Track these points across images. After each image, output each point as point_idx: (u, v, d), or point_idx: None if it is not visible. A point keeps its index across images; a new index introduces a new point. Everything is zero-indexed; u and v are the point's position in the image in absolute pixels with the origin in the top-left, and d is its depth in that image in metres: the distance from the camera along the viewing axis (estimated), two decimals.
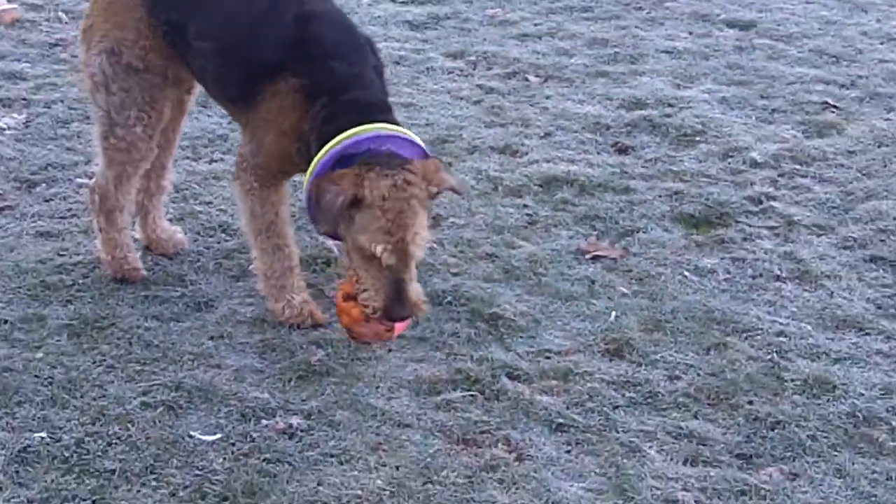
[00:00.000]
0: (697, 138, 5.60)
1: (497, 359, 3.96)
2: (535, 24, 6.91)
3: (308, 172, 3.73)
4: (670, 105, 5.90)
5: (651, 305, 4.33)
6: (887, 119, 5.86)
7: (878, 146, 5.60)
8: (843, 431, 3.74)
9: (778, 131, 5.70)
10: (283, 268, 4.06)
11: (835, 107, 5.97)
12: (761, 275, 4.57)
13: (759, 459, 3.61)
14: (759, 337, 4.17)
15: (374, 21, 6.97)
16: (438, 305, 4.20)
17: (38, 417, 3.62)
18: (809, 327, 4.24)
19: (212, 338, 4.05)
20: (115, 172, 4.19)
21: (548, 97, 6.00)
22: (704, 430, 3.71)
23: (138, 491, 3.37)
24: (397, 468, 3.48)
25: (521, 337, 4.11)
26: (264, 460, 3.49)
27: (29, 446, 3.50)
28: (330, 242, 4.48)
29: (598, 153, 5.46)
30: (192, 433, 3.59)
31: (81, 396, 3.72)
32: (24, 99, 5.69)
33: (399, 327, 3.73)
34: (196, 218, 4.81)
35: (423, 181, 3.61)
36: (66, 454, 3.48)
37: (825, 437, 3.71)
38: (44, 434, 3.55)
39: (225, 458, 3.49)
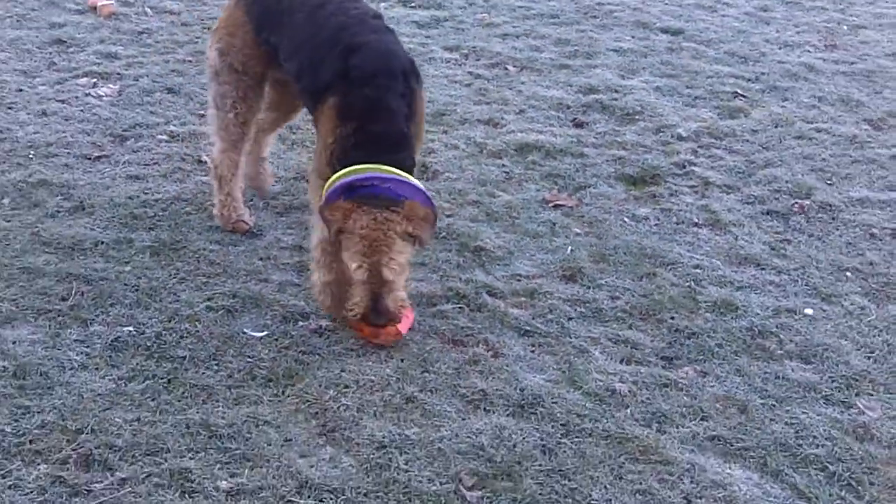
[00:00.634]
0: (637, 117, 5.55)
1: (479, 280, 3.95)
2: (514, 27, 6.83)
3: (324, 189, 3.48)
4: (617, 91, 5.84)
5: (598, 243, 4.31)
6: (783, 106, 5.82)
7: (775, 126, 5.56)
8: (743, 342, 3.74)
9: (698, 113, 5.65)
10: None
11: (743, 96, 5.91)
12: (683, 222, 4.54)
13: (678, 361, 3.62)
14: (680, 269, 4.16)
15: (389, 21, 6.85)
16: (435, 239, 4.17)
17: (127, 315, 3.60)
18: (719, 262, 4.23)
19: (261, 259, 4.03)
20: (220, 147, 4.10)
21: (522, 83, 5.93)
22: (637, 337, 3.71)
23: (203, 373, 3.36)
24: (402, 360, 3.48)
25: (498, 264, 4.10)
26: (300, 352, 3.50)
27: (119, 337, 3.48)
28: None
29: (560, 126, 5.41)
30: (245, 330, 3.58)
31: (160, 300, 3.70)
32: (118, 73, 5.60)
33: (404, 328, 3.53)
34: None
35: (404, 220, 3.33)
36: (148, 344, 3.47)
37: (729, 346, 3.71)
38: (131, 328, 3.54)
39: (270, 350, 3.49)
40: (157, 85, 5.49)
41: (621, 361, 3.58)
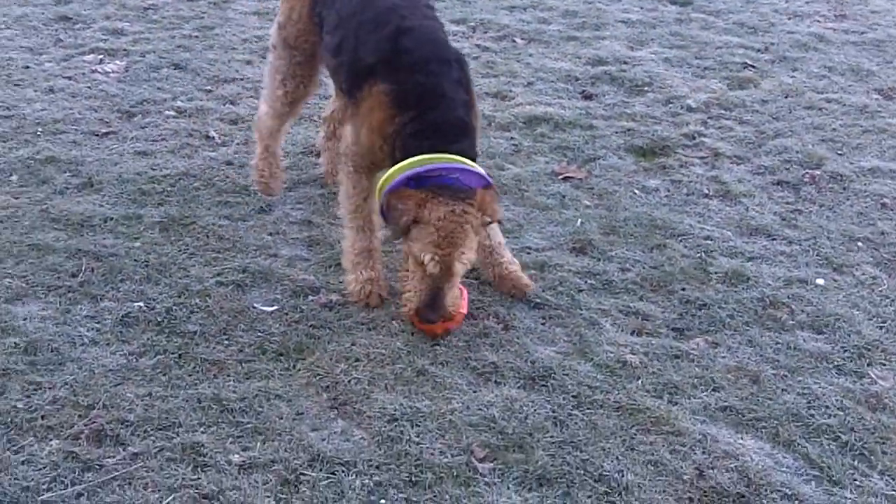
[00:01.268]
0: (646, 88, 5.51)
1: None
2: None
3: (383, 180, 3.36)
4: (625, 63, 5.80)
5: (608, 215, 4.29)
6: (792, 76, 5.77)
7: (785, 97, 5.51)
8: (754, 312, 3.72)
9: (708, 84, 5.61)
10: (362, 247, 3.61)
11: (752, 66, 5.86)
12: (693, 193, 4.52)
13: (689, 332, 3.60)
14: (690, 240, 4.14)
15: None
16: None
17: (137, 291, 3.60)
18: (730, 233, 4.21)
19: (270, 234, 4.02)
20: (264, 110, 4.07)
21: (530, 55, 5.89)
22: (648, 309, 3.70)
23: (214, 347, 3.36)
24: (412, 334, 3.47)
25: (508, 237, 4.07)
26: (310, 326, 3.49)
27: (130, 312, 3.48)
28: None
29: (569, 99, 5.37)
30: (255, 305, 3.58)
31: (170, 276, 3.70)
32: (125, 49, 5.58)
33: (458, 320, 3.46)
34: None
35: (479, 211, 3.25)
36: (159, 319, 3.47)
37: (740, 316, 3.69)
38: (141, 304, 3.53)
39: (280, 324, 3.49)
40: (163, 61, 5.47)
41: (632, 333, 3.57)
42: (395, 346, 3.41)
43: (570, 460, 3.00)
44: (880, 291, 3.86)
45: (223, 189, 4.31)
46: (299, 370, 3.28)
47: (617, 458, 3.02)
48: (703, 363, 3.44)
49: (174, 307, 3.52)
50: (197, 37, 5.80)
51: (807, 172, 4.71)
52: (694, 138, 5.01)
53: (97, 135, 4.68)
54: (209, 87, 5.23)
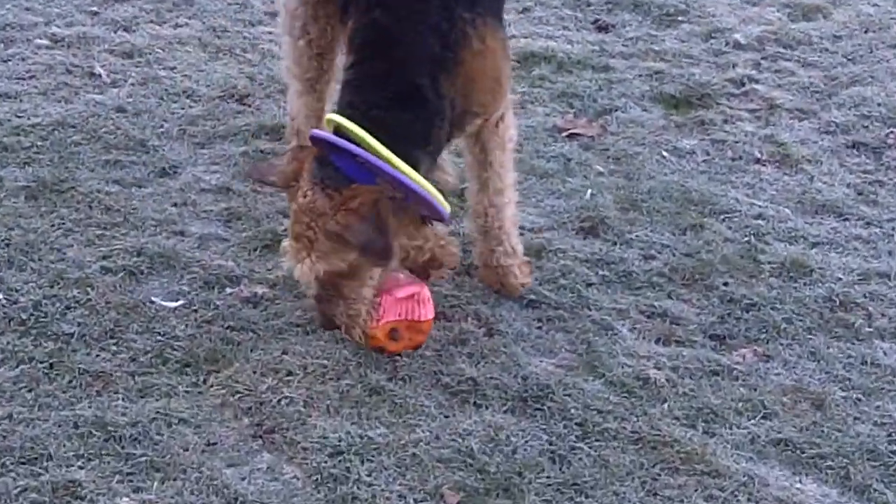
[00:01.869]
0: (680, 18, 5.53)
1: (469, 233, 3.91)
2: None
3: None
4: None
5: (627, 185, 4.30)
6: (875, 5, 5.80)
7: (865, 31, 5.54)
8: (819, 315, 3.74)
9: (763, 13, 5.63)
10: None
11: None
12: (741, 157, 4.54)
13: (732, 340, 3.61)
14: (736, 219, 4.16)
15: None
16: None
17: None
18: (788, 211, 4.23)
19: (175, 204, 4.00)
20: (294, 90, 4.07)
21: None
22: (678, 309, 3.70)
23: (97, 355, 3.34)
24: None
25: None
26: (227, 328, 3.47)
27: None
28: None
29: (578, 30, 5.38)
30: (153, 299, 3.56)
31: (39, 259, 3.67)
32: None
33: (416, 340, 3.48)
34: (159, 83, 4.71)
35: (337, 211, 3.22)
36: (24, 316, 3.44)
37: (800, 321, 3.71)
38: (0, 296, 3.50)
39: (187, 325, 3.47)
40: None
41: (657, 341, 3.58)
42: (341, 356, 3.40)
43: None
44: None
45: (112, 144, 4.28)
46: (212, 386, 3.26)
47: None
48: (751, 382, 3.45)
49: (44, 301, 3.50)
50: None
51: (891, 131, 4.75)
52: (743, 85, 5.02)
53: None
54: (95, 9, 5.20)
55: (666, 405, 3.34)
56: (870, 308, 3.78)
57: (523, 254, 3.76)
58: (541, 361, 3.45)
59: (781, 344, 3.61)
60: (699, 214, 4.16)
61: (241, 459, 3.05)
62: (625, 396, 3.36)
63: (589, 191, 4.24)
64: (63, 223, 3.84)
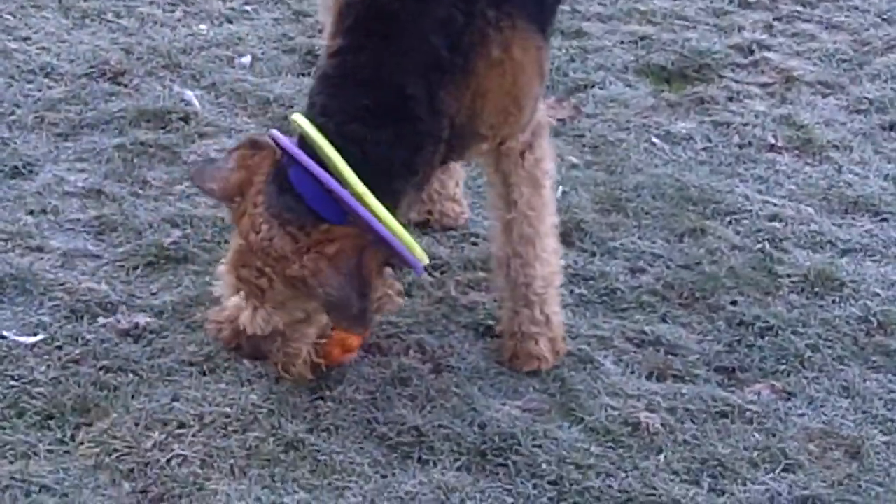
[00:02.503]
0: None
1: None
2: None
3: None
4: None
5: (609, 180, 4.33)
6: None
7: None
8: (852, 340, 3.77)
9: None
10: None
11: None
12: (750, 143, 4.58)
13: (744, 374, 3.63)
14: (746, 221, 4.19)
15: None
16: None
17: None
18: (811, 210, 4.27)
19: (31, 212, 4.00)
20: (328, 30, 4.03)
21: None
22: (675, 335, 3.72)
23: None
24: (277, 380, 3.45)
25: None
26: (101, 369, 3.46)
27: None
28: None
29: None
30: (4, 333, 3.54)
31: None
32: None
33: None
34: (9, 58, 4.73)
35: (309, 252, 3.18)
36: None
37: (829, 347, 3.73)
38: None
39: (49, 366, 3.45)
40: None
41: (650, 376, 3.60)
42: (247, 402, 3.39)
43: None
44: None
45: None
46: (82, 443, 3.25)
47: None
48: (768, 425, 3.47)
49: None
50: None
51: None
52: (751, 53, 5.07)
53: None
54: None
55: (662, 457, 3.35)
56: None
57: (478, 266, 3.77)
58: (503, 405, 3.45)
59: (806, 377, 3.63)
60: (699, 216, 4.19)
61: None
62: (610, 447, 3.36)
63: (560, 188, 4.25)
64: None
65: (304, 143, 3.18)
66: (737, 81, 4.90)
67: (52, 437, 3.26)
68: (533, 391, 3.51)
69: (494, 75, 3.26)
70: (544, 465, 3.29)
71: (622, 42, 5.07)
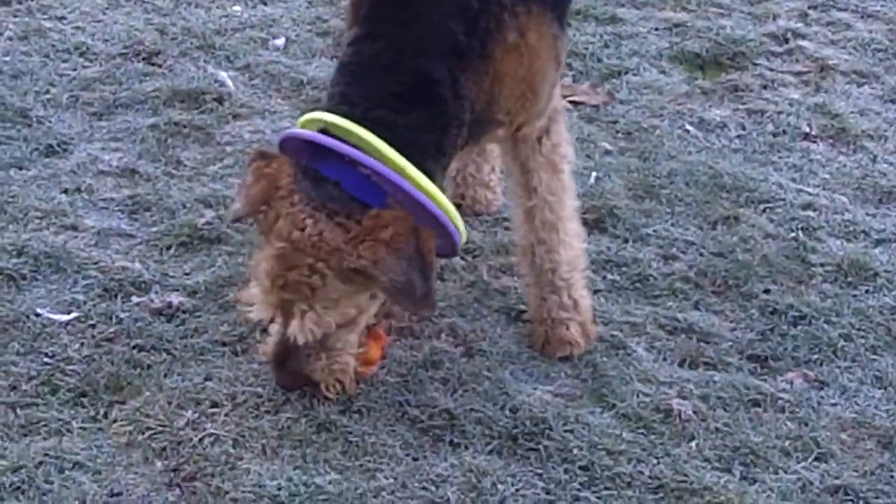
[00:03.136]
0: None
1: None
2: None
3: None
4: None
5: (642, 166, 4.32)
6: None
7: None
8: (886, 330, 3.76)
9: None
10: None
11: None
12: (784, 132, 4.57)
13: (776, 362, 3.63)
14: (779, 210, 4.19)
15: None
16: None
17: None
18: (844, 199, 4.26)
19: (65, 191, 4.01)
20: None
21: None
22: (708, 323, 3.72)
23: None
24: None
25: None
26: (134, 347, 3.47)
27: None
28: None
29: None
30: (38, 311, 3.55)
31: None
32: None
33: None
34: (45, 37, 4.74)
35: (358, 244, 3.15)
36: None
37: (862, 337, 3.73)
38: None
39: (83, 344, 3.46)
40: None
41: (682, 363, 3.60)
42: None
43: None
44: None
45: None
46: (115, 421, 3.26)
47: None
48: (801, 414, 3.47)
49: None
50: None
51: None
52: (786, 41, 5.06)
53: None
54: None
55: (693, 444, 3.35)
56: None
57: (510, 251, 3.77)
58: (534, 389, 3.45)
59: (838, 367, 3.63)
60: (733, 204, 4.19)
61: None
62: (641, 433, 3.37)
63: (593, 174, 4.26)
64: None
65: (329, 134, 3.16)
66: (771, 69, 4.89)
67: (86, 415, 3.27)
68: (565, 376, 3.51)
69: (511, 60, 3.29)
70: (575, 451, 3.29)
71: (656, 28, 5.06)
